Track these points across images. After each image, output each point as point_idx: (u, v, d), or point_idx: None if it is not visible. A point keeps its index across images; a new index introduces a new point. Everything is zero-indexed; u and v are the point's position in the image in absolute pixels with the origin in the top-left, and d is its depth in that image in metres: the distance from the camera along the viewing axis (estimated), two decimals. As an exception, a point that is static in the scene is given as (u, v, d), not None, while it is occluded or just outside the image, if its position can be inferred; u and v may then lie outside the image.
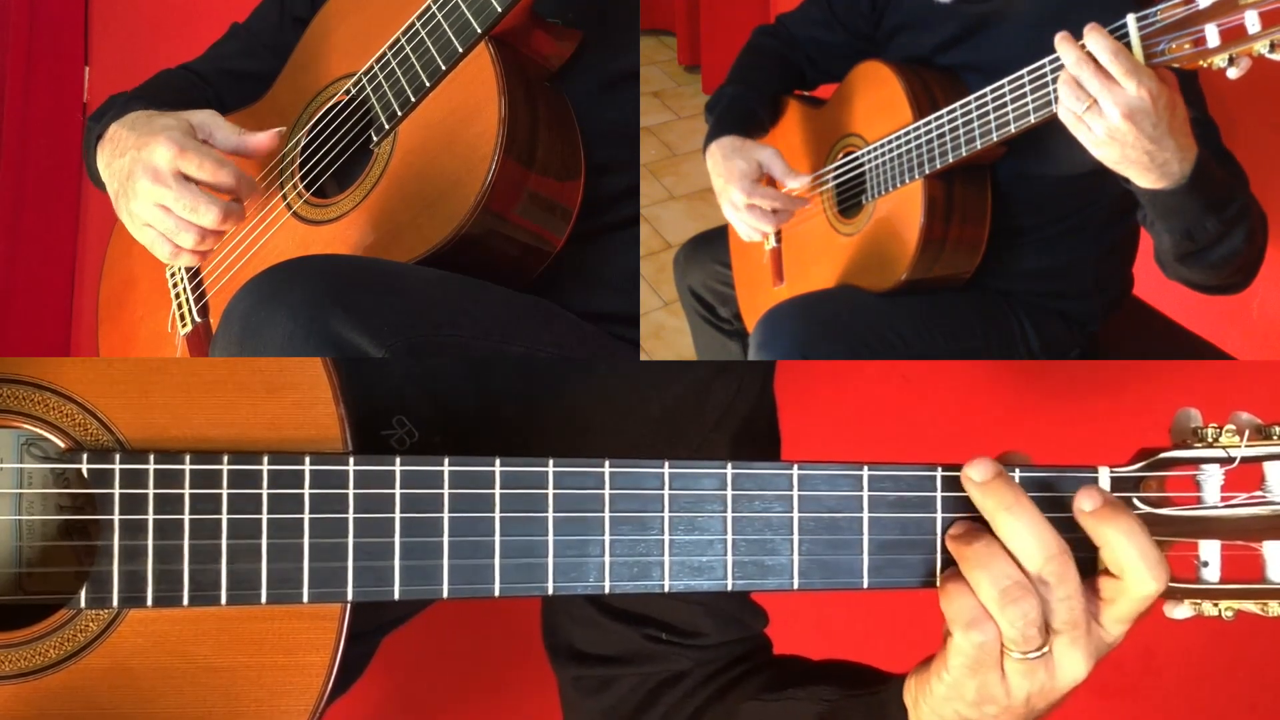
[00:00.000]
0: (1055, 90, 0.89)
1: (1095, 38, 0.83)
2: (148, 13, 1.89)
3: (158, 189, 0.90)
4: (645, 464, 0.68)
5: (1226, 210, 0.93)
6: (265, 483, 0.67)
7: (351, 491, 0.67)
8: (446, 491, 0.67)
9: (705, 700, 0.87)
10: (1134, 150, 0.85)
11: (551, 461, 0.68)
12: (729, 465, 0.69)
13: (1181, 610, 0.69)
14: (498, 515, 0.68)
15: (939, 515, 0.69)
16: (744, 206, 1.20)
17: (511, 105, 0.87)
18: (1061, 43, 0.85)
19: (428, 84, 0.91)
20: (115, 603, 0.67)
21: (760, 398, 0.91)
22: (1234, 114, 1.23)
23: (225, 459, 0.67)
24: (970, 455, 0.71)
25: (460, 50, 0.89)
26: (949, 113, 1.04)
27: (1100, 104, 0.83)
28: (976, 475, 0.67)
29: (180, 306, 1.05)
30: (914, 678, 0.71)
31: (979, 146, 1.02)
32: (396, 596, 0.67)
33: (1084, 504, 0.67)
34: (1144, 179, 0.88)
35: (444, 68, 0.90)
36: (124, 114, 0.97)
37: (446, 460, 0.68)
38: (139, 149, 0.91)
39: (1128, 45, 0.84)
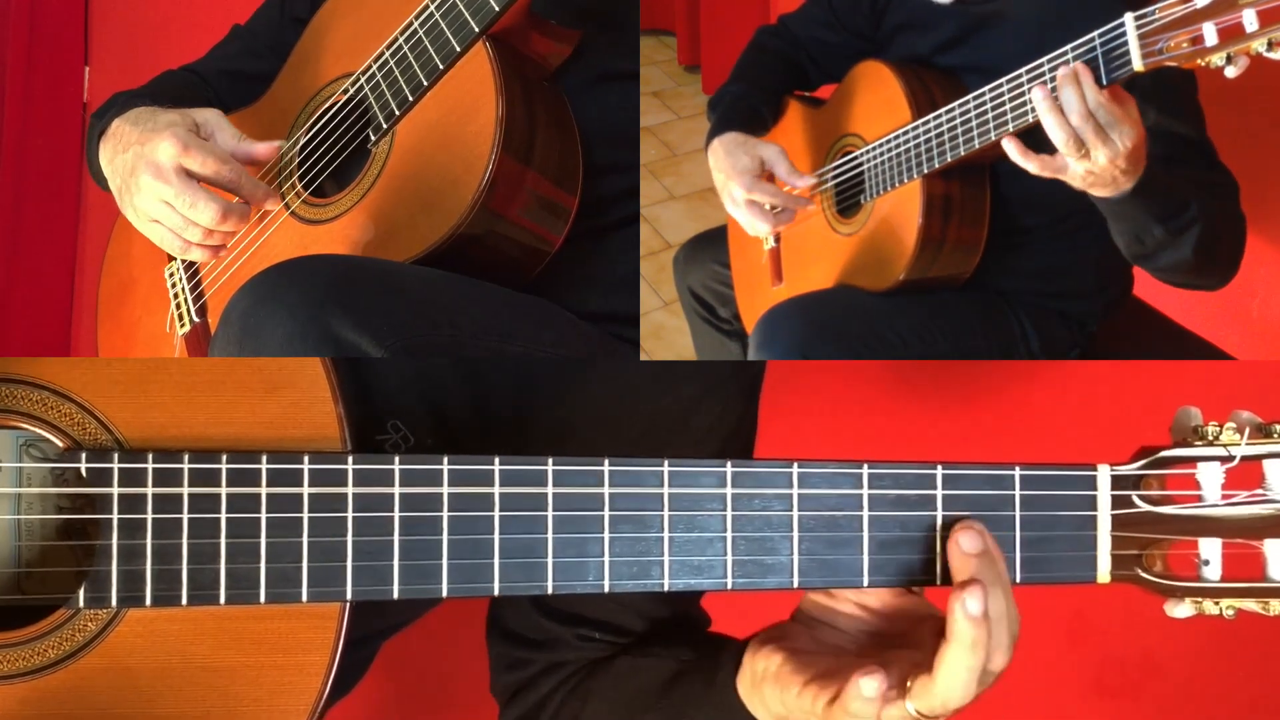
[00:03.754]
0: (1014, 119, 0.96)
1: (1088, 91, 0.88)
2: (148, 13, 1.89)
3: (160, 185, 0.90)
4: (645, 463, 0.68)
5: (1175, 220, 0.97)
6: (264, 481, 0.67)
7: (350, 490, 0.67)
8: (446, 490, 0.67)
9: (590, 671, 0.89)
10: (1104, 176, 0.91)
11: (551, 460, 0.68)
12: (728, 464, 0.69)
13: (1183, 609, 0.69)
14: (497, 514, 0.68)
15: (939, 513, 0.69)
16: (744, 202, 1.20)
17: (509, 104, 0.87)
18: (1067, 87, 0.89)
19: (425, 84, 0.91)
20: (114, 602, 0.67)
21: (741, 421, 0.91)
22: (1234, 114, 1.23)
23: (224, 458, 0.67)
24: (970, 455, 0.71)
25: (458, 50, 0.89)
26: (947, 112, 1.04)
27: (1091, 154, 0.89)
28: (967, 545, 0.67)
29: (179, 306, 1.05)
30: (767, 678, 0.72)
31: (977, 146, 1.02)
32: (396, 595, 0.67)
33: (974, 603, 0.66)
34: (1101, 192, 0.94)
35: (441, 67, 0.90)
36: (127, 110, 0.96)
37: (446, 459, 0.67)
38: (142, 144, 0.92)
39: (1126, 47, 0.84)
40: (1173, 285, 1.07)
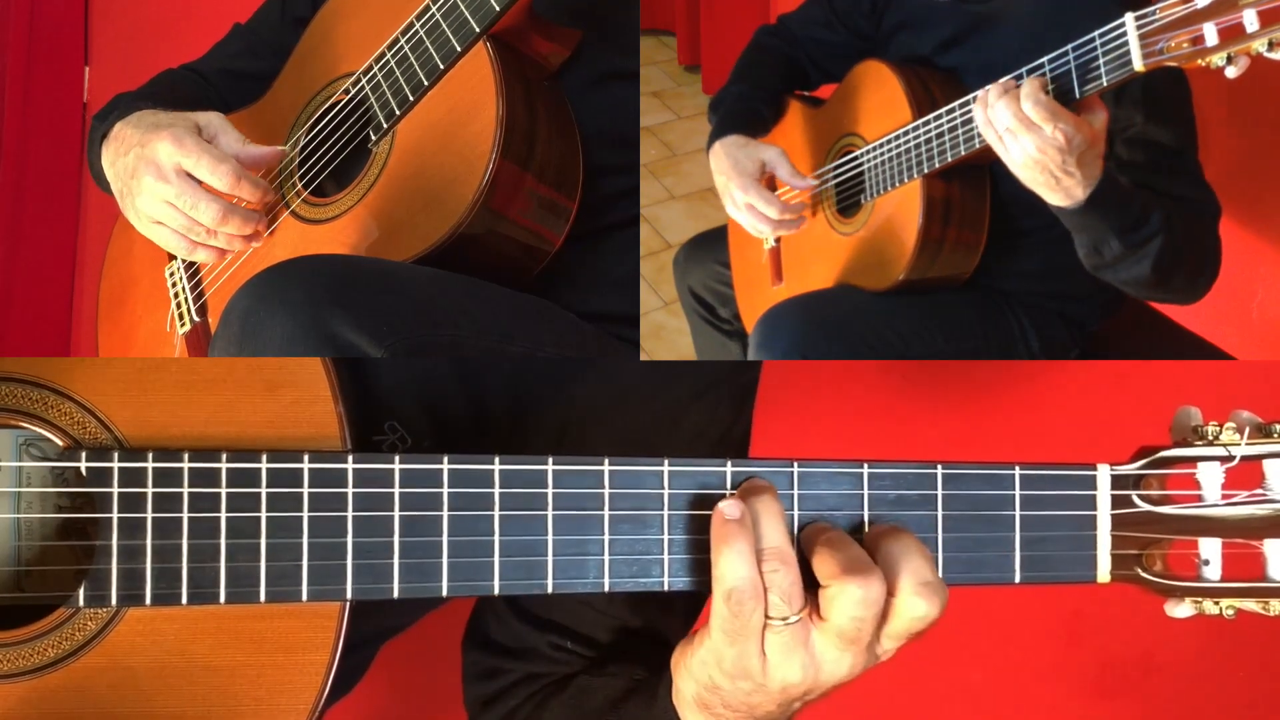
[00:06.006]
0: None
1: (1025, 87, 0.91)
2: (148, 13, 1.89)
3: (161, 185, 0.90)
4: (644, 463, 0.68)
5: (1134, 234, 0.97)
6: (264, 481, 0.67)
7: (350, 490, 0.67)
8: (445, 490, 0.67)
9: (555, 688, 0.87)
10: (1042, 175, 0.92)
11: (551, 460, 0.68)
12: (728, 463, 0.69)
13: (1183, 609, 0.69)
14: (497, 513, 0.68)
15: (939, 513, 0.69)
16: (744, 205, 1.20)
17: (509, 104, 0.87)
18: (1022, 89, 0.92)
19: (426, 83, 0.91)
20: (114, 601, 0.67)
21: (733, 425, 0.90)
22: (1234, 115, 1.23)
23: (224, 457, 0.67)
24: (970, 455, 0.71)
25: (458, 49, 0.89)
26: (948, 112, 1.04)
27: (1017, 136, 0.91)
28: (729, 512, 0.66)
29: (179, 306, 1.05)
30: (680, 644, 0.71)
31: (978, 146, 1.02)
32: (396, 594, 0.67)
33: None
34: (1050, 197, 0.95)
35: (442, 67, 0.90)
36: (129, 113, 0.97)
37: (446, 459, 0.67)
38: (142, 145, 0.92)
39: (1126, 47, 0.84)
40: (1140, 298, 1.07)
